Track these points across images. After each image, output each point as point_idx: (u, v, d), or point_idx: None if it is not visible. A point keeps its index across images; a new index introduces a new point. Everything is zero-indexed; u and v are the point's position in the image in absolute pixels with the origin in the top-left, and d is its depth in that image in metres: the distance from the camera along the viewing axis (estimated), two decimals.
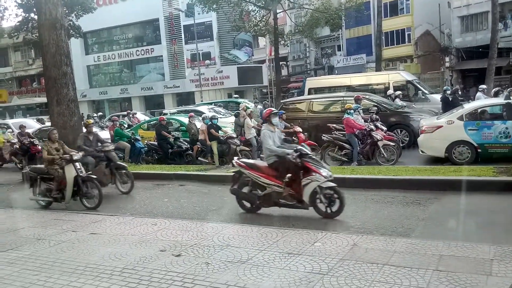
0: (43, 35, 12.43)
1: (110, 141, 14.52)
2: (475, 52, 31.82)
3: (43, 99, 35.54)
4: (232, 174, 7.61)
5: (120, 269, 4.82)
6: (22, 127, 16.20)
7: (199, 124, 13.39)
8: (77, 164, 8.29)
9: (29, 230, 6.79)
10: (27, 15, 22.69)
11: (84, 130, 10.33)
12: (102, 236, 6.17)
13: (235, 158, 7.82)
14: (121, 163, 10.04)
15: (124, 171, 9.74)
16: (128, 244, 5.70)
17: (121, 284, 4.40)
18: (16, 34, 24.13)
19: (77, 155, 8.37)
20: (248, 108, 14.36)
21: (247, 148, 12.46)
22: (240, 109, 15.11)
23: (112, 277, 4.61)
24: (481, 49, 29.74)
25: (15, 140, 15.59)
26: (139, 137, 13.90)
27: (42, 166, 8.81)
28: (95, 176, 8.44)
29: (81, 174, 8.27)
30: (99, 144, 9.82)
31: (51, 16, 12.22)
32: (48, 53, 12.38)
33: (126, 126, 15.00)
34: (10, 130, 18.28)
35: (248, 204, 7.35)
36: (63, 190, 8.40)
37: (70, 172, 8.23)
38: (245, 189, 7.21)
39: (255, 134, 12.80)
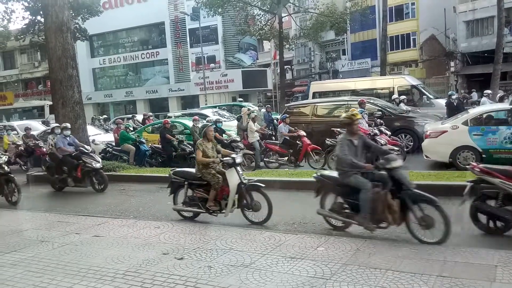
0: (50, 38, 12.52)
1: (114, 143, 14.61)
2: (480, 57, 31.73)
3: (40, 102, 35.66)
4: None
5: (123, 271, 4.82)
6: (27, 129, 16.29)
7: None
8: (238, 168, 6.89)
9: (32, 232, 6.81)
10: (33, 18, 22.83)
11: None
12: (105, 238, 6.18)
13: (472, 162, 6.73)
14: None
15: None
16: (131, 247, 5.71)
17: (124, 287, 4.41)
18: (22, 36, 24.28)
19: (239, 158, 7.00)
20: (253, 112, 14.37)
21: (251, 152, 12.46)
22: (242, 113, 15.11)
23: (114, 280, 4.61)
24: (486, 54, 29.65)
25: (20, 142, 15.66)
26: (143, 140, 13.93)
27: (190, 170, 7.50)
28: (262, 185, 6.87)
29: (244, 181, 6.80)
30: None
31: (58, 19, 12.31)
32: (54, 56, 12.47)
33: (131, 129, 15.05)
34: (15, 132, 18.37)
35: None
36: (221, 200, 6.95)
37: (233, 178, 6.77)
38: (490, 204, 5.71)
39: (258, 138, 12.80)
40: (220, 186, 6.83)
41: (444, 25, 35.12)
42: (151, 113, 19.16)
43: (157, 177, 11.32)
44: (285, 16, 31.82)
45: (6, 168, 9.56)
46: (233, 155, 6.99)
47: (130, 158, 13.40)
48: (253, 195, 6.78)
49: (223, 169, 7.06)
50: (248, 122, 13.18)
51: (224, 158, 6.93)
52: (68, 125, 11.10)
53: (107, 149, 14.49)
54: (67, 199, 10.28)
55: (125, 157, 13.59)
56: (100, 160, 10.86)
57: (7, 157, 10.25)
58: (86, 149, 10.69)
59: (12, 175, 9.69)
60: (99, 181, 10.50)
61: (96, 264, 5.12)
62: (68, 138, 10.78)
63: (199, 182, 7.08)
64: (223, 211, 6.91)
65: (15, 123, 21.06)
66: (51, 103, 34.30)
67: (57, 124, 11.79)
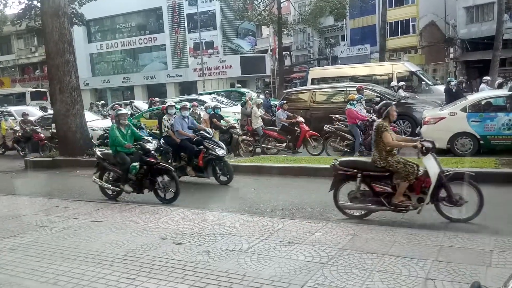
0: (46, 23, 12.41)
1: None
2: (480, 44, 31.56)
3: (21, 89, 35.23)
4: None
5: (121, 256, 4.85)
6: (24, 114, 16.24)
7: (201, 113, 13.36)
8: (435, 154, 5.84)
9: (31, 217, 6.83)
10: (30, 2, 22.63)
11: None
12: (104, 223, 6.20)
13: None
14: None
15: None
16: (129, 232, 5.73)
17: (123, 271, 4.44)
18: (19, 21, 24.08)
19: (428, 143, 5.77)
20: (252, 98, 14.33)
21: (249, 138, 12.45)
22: (246, 98, 15.04)
23: (113, 264, 4.64)
24: (486, 40, 29.49)
25: (18, 128, 15.63)
26: (143, 126, 13.88)
27: (362, 159, 6.79)
28: (471, 173, 5.81)
29: (444, 170, 5.82)
30: None
31: (54, 3, 12.20)
32: (51, 41, 12.37)
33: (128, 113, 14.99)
34: (12, 117, 18.31)
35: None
36: (419, 194, 5.80)
37: (432, 167, 5.69)
38: None
39: (262, 124, 12.79)
40: (415, 177, 5.74)
41: (444, 11, 34.85)
42: (157, 99, 18.93)
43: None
44: (284, 1, 31.59)
45: None
46: (424, 140, 5.84)
47: None
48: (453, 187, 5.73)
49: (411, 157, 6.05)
50: (252, 108, 13.15)
51: (423, 142, 5.74)
52: (188, 104, 9.73)
53: (105, 134, 14.47)
54: (66, 185, 10.29)
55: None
56: (224, 146, 9.23)
57: None
58: (208, 133, 9.17)
59: None
60: (223, 171, 8.92)
61: (95, 248, 5.15)
62: (186, 120, 9.28)
63: (379, 173, 5.92)
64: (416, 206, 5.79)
65: (12, 109, 20.97)
66: (32, 90, 34.18)
67: (172, 103, 9.98)
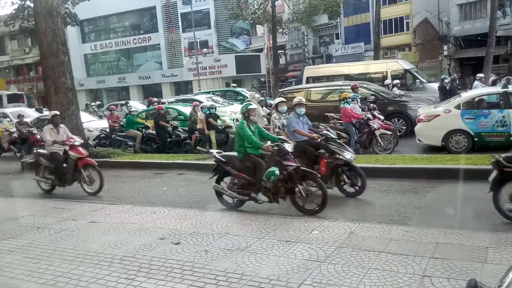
0: (40, 23, 12.36)
1: (108, 130, 14.55)
2: (473, 41, 31.72)
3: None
4: None
5: (120, 257, 4.87)
6: (20, 116, 16.18)
7: (197, 113, 13.38)
8: None
9: (29, 218, 6.82)
10: (23, 2, 22.47)
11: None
12: (102, 224, 6.21)
13: None
14: None
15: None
16: (127, 232, 5.75)
17: (121, 272, 4.46)
18: (12, 22, 23.92)
19: None
20: (257, 97, 14.31)
21: None
22: (249, 97, 15.02)
23: (112, 265, 4.66)
24: (479, 37, 29.64)
25: (14, 129, 15.57)
26: (149, 125, 13.87)
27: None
28: None
29: None
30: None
31: (47, 4, 12.14)
32: (45, 41, 12.33)
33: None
34: (8, 119, 18.24)
35: None
36: None
37: None
38: None
39: (267, 123, 12.81)
40: None
41: (438, 8, 35.00)
42: (156, 99, 18.87)
43: (152, 163, 11.36)
44: (278, 0, 31.58)
45: None
46: None
47: (136, 143, 13.35)
48: None
49: None
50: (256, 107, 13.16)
51: None
52: (303, 99, 8.30)
53: (102, 135, 14.46)
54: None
55: (130, 142, 13.52)
56: (352, 150, 7.70)
57: None
58: (332, 133, 7.60)
59: None
60: (352, 181, 7.18)
61: (93, 249, 5.16)
62: (301, 118, 7.94)
63: None
64: None
65: (8, 110, 20.88)
66: (9, 92, 33.72)
67: (282, 99, 8.65)
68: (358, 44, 38.59)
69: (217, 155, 6.91)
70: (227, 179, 6.95)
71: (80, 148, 8.72)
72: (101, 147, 13.09)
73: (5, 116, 18.86)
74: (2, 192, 9.56)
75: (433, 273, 3.96)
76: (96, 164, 8.63)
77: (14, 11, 23.26)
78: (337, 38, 42.90)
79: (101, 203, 7.68)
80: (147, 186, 9.35)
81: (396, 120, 13.00)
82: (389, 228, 5.27)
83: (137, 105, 22.22)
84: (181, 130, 13.40)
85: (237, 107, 18.70)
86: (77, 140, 8.80)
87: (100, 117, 19.80)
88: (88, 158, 8.73)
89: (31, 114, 19.34)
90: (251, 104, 7.07)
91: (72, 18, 25.20)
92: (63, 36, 12.69)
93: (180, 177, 9.86)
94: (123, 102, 22.81)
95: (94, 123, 16.54)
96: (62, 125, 9.28)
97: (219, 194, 7.01)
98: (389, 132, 10.85)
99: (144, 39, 41.15)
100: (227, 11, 34.75)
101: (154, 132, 13.55)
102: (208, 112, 12.52)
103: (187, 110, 15.40)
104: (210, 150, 7.38)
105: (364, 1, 34.91)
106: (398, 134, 11.78)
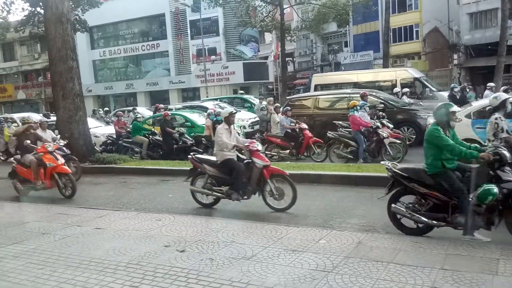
0: (49, 30, 12.47)
1: (115, 136, 14.57)
2: (484, 50, 31.53)
3: None
4: None
5: (124, 264, 4.82)
6: None
7: (204, 120, 13.35)
8: None
9: (34, 224, 6.80)
10: (33, 9, 22.69)
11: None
12: (107, 231, 6.17)
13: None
14: None
15: None
16: (132, 239, 5.70)
17: (126, 279, 4.40)
18: (22, 28, 24.16)
19: None
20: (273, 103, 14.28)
21: None
22: (265, 104, 14.98)
23: (116, 272, 4.61)
24: (490, 46, 29.47)
25: None
26: (156, 132, 13.87)
27: None
28: None
29: None
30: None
31: (57, 10, 12.25)
32: (54, 48, 12.42)
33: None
34: (15, 124, 18.34)
35: None
36: None
37: None
38: None
39: (278, 130, 12.77)
40: None
41: (448, 17, 34.88)
42: (162, 105, 18.91)
43: (158, 169, 11.34)
44: (286, 8, 31.65)
45: None
46: None
47: (143, 150, 13.34)
48: None
49: None
50: (271, 114, 13.12)
51: None
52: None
53: (108, 141, 14.48)
54: None
55: (137, 149, 13.51)
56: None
57: None
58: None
59: None
60: None
61: (98, 256, 5.12)
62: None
63: None
64: None
65: (15, 115, 21.02)
66: None
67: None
68: (367, 52, 38.49)
69: (394, 168, 5.58)
70: (405, 199, 5.63)
71: None
72: (108, 153, 13.10)
73: (12, 121, 18.97)
74: (9, 197, 9.57)
75: (443, 285, 3.88)
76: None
77: (24, 17, 23.51)
78: (346, 46, 42.86)
79: (106, 209, 7.65)
80: (153, 192, 9.32)
81: (406, 128, 12.90)
82: (398, 238, 5.18)
83: (144, 111, 22.27)
84: (187, 137, 13.38)
85: (244, 114, 18.71)
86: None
87: (107, 123, 19.86)
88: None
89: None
90: (452, 105, 5.75)
91: (81, 24, 25.42)
92: (72, 42, 12.79)
93: (186, 184, 9.79)
94: (130, 108, 22.89)
95: (101, 129, 16.59)
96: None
97: (394, 220, 5.64)
98: (398, 141, 10.76)
99: (153, 45, 41.42)
100: (235, 18, 34.85)
101: (161, 139, 13.55)
102: (215, 118, 12.49)
103: (194, 116, 15.40)
104: (382, 162, 6.03)
105: (374, 10, 34.79)
106: (407, 143, 11.68)
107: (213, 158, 7.67)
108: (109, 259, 4.98)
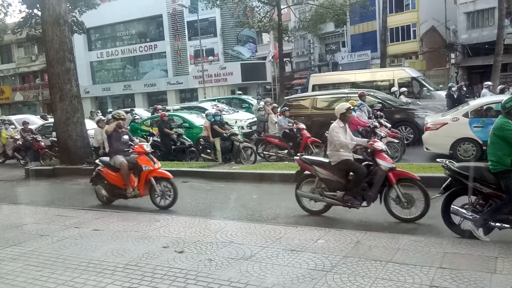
0: (47, 31, 12.44)
1: None
2: (481, 49, 31.61)
3: None
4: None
5: (123, 265, 4.81)
6: (25, 123, 16.25)
7: (202, 120, 13.34)
8: None
9: (32, 226, 6.79)
10: (30, 11, 22.71)
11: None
12: (105, 232, 6.16)
13: None
14: None
15: None
16: (131, 240, 5.69)
17: (124, 280, 4.40)
18: (19, 30, 24.19)
19: None
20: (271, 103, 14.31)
21: (250, 145, 12.43)
22: (263, 104, 14.98)
23: (115, 273, 4.60)
24: (487, 45, 29.55)
25: (18, 136, 15.63)
26: (154, 133, 13.84)
27: None
28: None
29: None
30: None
31: (55, 12, 12.23)
32: (52, 49, 12.40)
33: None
34: (13, 126, 18.33)
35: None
36: None
37: None
38: None
39: (277, 130, 12.78)
40: None
41: (445, 16, 34.96)
42: (161, 106, 18.87)
43: None
44: (284, 8, 31.68)
45: None
46: None
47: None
48: None
49: None
50: (269, 114, 13.13)
51: None
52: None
53: None
54: (66, 193, 10.26)
55: None
56: None
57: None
58: None
59: None
60: None
61: (96, 257, 5.11)
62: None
63: None
64: None
65: (13, 117, 21.00)
66: None
67: None
68: (365, 52, 38.55)
69: (453, 167, 5.27)
70: (461, 200, 5.36)
71: None
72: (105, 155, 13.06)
73: (10, 123, 18.96)
74: (6, 199, 9.55)
75: (441, 284, 3.88)
76: None
77: (21, 19, 23.52)
78: (343, 46, 42.90)
79: (104, 211, 7.63)
80: None
81: (404, 128, 12.92)
82: (396, 237, 5.18)
83: (142, 112, 22.25)
84: (185, 138, 13.37)
85: (242, 115, 18.71)
86: None
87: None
88: None
89: (36, 121, 19.41)
90: None
91: (79, 26, 25.44)
92: (69, 44, 12.76)
93: (185, 185, 9.81)
94: (128, 109, 22.86)
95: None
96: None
97: (449, 218, 5.36)
98: (396, 140, 10.78)
99: (150, 47, 41.41)
100: (233, 19, 34.89)
101: (159, 140, 13.52)
102: (213, 119, 12.48)
103: (192, 117, 15.39)
104: (439, 160, 5.60)
105: (371, 9, 34.84)
106: (405, 142, 11.69)
107: (324, 160, 6.96)
108: (108, 261, 4.97)
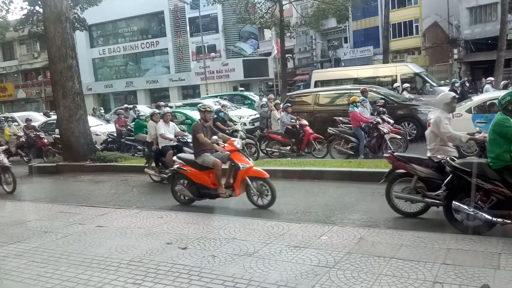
0: (49, 28, 12.44)
1: (116, 134, 14.56)
2: (484, 44, 31.51)
3: None
4: None
5: (127, 261, 4.83)
6: (28, 120, 16.27)
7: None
8: None
9: (36, 222, 6.81)
10: (32, 8, 22.66)
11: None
12: (109, 229, 6.18)
13: None
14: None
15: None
16: (134, 237, 5.71)
17: (128, 277, 4.41)
18: (21, 27, 24.13)
19: None
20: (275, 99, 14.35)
21: (252, 141, 12.43)
22: (266, 100, 14.98)
23: (119, 269, 4.62)
24: (490, 41, 29.44)
25: (21, 134, 15.66)
26: None
27: None
28: None
29: None
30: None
31: (56, 9, 12.23)
32: (54, 46, 12.41)
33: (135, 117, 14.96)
34: (16, 123, 18.36)
35: None
36: None
37: None
38: None
39: (279, 127, 12.76)
40: None
41: (447, 11, 34.82)
42: (164, 103, 18.85)
43: None
44: (286, 4, 31.62)
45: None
46: None
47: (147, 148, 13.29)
48: None
49: None
50: (272, 111, 13.13)
51: None
52: None
53: (109, 139, 14.48)
54: (70, 190, 10.29)
55: (140, 147, 13.45)
56: None
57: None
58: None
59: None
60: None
61: (100, 254, 5.12)
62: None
63: None
64: None
65: (16, 115, 21.04)
66: None
67: None
68: (367, 47, 38.46)
69: (454, 163, 5.32)
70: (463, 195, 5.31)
71: None
72: (108, 151, 13.10)
73: (13, 120, 18.98)
74: (10, 196, 9.58)
75: (445, 280, 3.88)
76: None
77: (23, 16, 23.48)
78: (346, 42, 42.83)
79: (107, 207, 7.65)
80: (154, 190, 9.32)
81: (406, 124, 12.89)
82: (399, 233, 5.18)
83: (144, 109, 22.26)
84: (188, 134, 13.35)
85: (244, 111, 18.71)
86: None
87: (108, 121, 19.85)
88: None
89: (38, 119, 19.44)
90: None
91: (80, 23, 25.38)
92: (71, 40, 12.77)
93: None
94: (131, 106, 22.87)
95: (101, 127, 16.58)
96: None
97: (451, 215, 5.33)
98: (398, 136, 10.76)
99: (152, 43, 41.38)
100: (235, 15, 34.83)
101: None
102: (215, 116, 12.47)
103: (194, 114, 15.37)
104: (440, 156, 5.72)
105: (373, 5, 34.77)
106: (408, 138, 11.67)
107: (421, 157, 6.28)
108: (112, 257, 4.99)
